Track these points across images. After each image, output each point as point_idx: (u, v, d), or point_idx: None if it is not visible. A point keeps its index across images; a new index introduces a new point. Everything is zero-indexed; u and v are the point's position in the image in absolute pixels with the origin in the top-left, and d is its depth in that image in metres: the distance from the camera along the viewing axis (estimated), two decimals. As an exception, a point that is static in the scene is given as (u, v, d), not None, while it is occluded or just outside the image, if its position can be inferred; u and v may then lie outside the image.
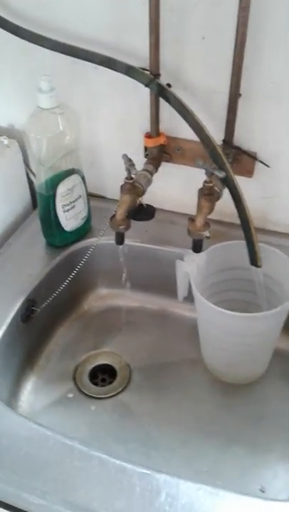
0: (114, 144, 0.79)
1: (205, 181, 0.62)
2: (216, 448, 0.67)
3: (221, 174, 0.59)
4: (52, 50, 0.66)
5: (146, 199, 0.83)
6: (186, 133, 0.69)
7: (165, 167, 0.78)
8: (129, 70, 0.64)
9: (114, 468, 0.53)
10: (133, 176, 0.64)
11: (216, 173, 0.59)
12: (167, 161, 0.77)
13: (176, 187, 0.81)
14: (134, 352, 0.79)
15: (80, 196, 0.75)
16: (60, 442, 0.55)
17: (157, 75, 0.67)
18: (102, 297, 0.86)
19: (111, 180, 0.85)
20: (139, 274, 0.83)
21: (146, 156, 0.76)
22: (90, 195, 0.85)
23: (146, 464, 0.64)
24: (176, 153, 0.76)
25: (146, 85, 0.64)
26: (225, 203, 0.63)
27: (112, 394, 0.73)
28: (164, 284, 0.79)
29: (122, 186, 0.65)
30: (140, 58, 0.67)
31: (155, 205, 0.85)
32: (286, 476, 0.63)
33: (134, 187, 0.66)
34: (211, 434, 0.68)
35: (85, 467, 0.53)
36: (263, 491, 0.61)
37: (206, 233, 0.63)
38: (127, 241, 0.80)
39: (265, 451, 0.66)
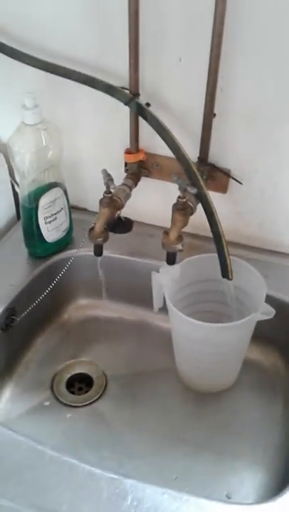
0: (96, 159, 0.82)
1: (179, 197, 0.64)
2: (185, 456, 0.69)
3: (193, 190, 0.62)
4: (36, 67, 0.69)
5: (126, 212, 0.86)
6: (164, 150, 0.72)
7: (145, 182, 0.81)
8: (109, 89, 0.67)
9: (84, 473, 0.54)
10: (112, 190, 0.67)
11: (189, 189, 0.62)
12: (146, 176, 0.80)
13: (155, 201, 0.84)
14: (111, 361, 0.81)
15: (62, 209, 0.78)
16: (31, 448, 0.56)
17: (136, 94, 0.70)
18: (82, 307, 0.88)
19: (93, 194, 0.86)
20: (117, 285, 0.85)
21: (126, 171, 0.79)
22: (73, 208, 0.88)
23: (117, 471, 0.66)
24: (154, 169, 0.79)
25: (126, 104, 0.67)
26: (200, 217, 0.65)
27: (87, 402, 0.75)
28: (142, 295, 0.81)
29: (101, 200, 0.68)
30: (121, 78, 0.70)
31: (135, 218, 0.88)
32: (252, 482, 0.65)
33: (112, 201, 0.69)
34: (181, 442, 0.70)
35: (55, 472, 0.55)
36: (229, 497, 0.63)
37: (179, 246, 0.65)
38: (106, 253, 0.83)
39: (232, 459, 0.68)
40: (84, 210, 0.91)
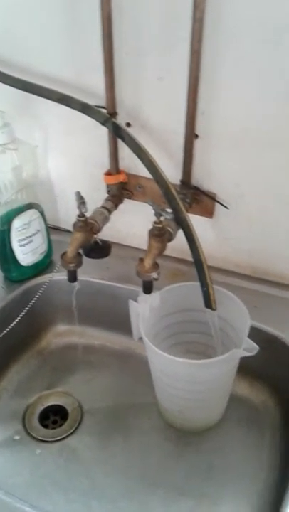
0: (77, 179, 0.79)
1: (154, 222, 0.60)
2: (161, 500, 0.63)
3: (168, 215, 0.58)
4: (12, 86, 0.67)
5: (110, 236, 0.83)
6: (146, 171, 0.69)
7: (128, 204, 0.77)
8: (84, 108, 0.64)
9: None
10: (84, 213, 0.63)
11: (163, 214, 0.58)
12: (129, 198, 0.76)
13: (139, 224, 0.79)
14: (89, 393, 0.76)
15: (39, 231, 0.74)
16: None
17: (114, 114, 0.67)
18: (61, 334, 0.84)
19: (75, 215, 0.84)
20: (99, 312, 0.82)
21: (108, 192, 0.76)
22: (55, 229, 0.85)
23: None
24: (137, 191, 0.75)
25: (103, 124, 0.64)
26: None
27: (60, 437, 0.70)
28: (125, 322, 0.76)
29: (74, 224, 0.65)
30: (99, 97, 0.67)
31: (118, 241, 0.85)
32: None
33: (86, 224, 0.65)
34: (157, 485, 0.65)
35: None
36: None
37: (154, 275, 0.61)
38: (86, 277, 0.80)
39: (213, 504, 0.62)
40: (67, 231, 0.87)
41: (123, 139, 0.63)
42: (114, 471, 0.67)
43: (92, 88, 0.67)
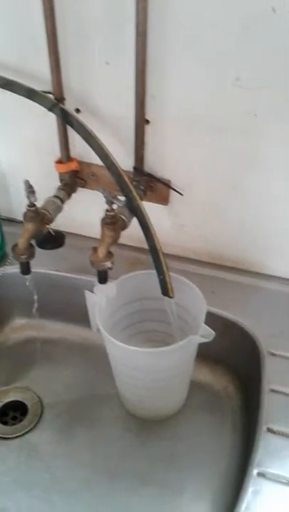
0: (29, 169, 0.77)
1: (106, 210, 0.59)
2: (123, 490, 0.63)
3: (120, 202, 0.57)
4: None
5: (65, 226, 0.80)
6: (99, 159, 0.67)
7: (83, 193, 0.75)
8: (30, 94, 0.61)
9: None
10: (34, 202, 0.61)
11: (115, 201, 0.57)
12: (83, 187, 0.74)
13: (94, 213, 0.77)
14: (49, 387, 0.75)
15: (-10, 223, 0.72)
16: None
17: (61, 99, 0.64)
18: (19, 328, 0.82)
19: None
20: (57, 304, 0.80)
21: (61, 181, 0.74)
22: (9, 221, 0.82)
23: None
24: (90, 180, 0.73)
25: (50, 109, 0.62)
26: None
27: (19, 433, 0.69)
28: (84, 314, 0.75)
29: (24, 214, 0.62)
30: (45, 82, 0.65)
31: (74, 231, 0.83)
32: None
33: (38, 214, 0.63)
34: (120, 476, 0.64)
35: None
36: (168, 539, 0.58)
37: (108, 264, 0.60)
38: (42, 269, 0.78)
39: (176, 493, 0.62)
40: (22, 223, 0.85)
41: (72, 125, 0.61)
42: (76, 464, 0.66)
43: (38, 73, 0.65)
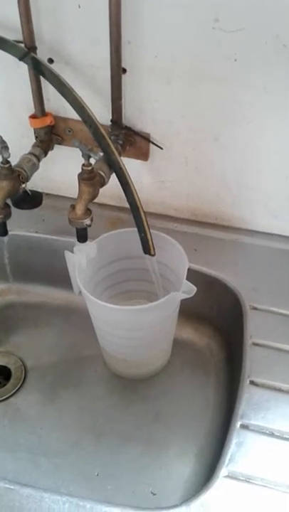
0: (3, 125, 0.73)
1: (83, 164, 0.57)
2: (109, 449, 0.63)
3: (96, 156, 0.54)
4: None
5: (43, 186, 0.78)
6: (76, 114, 0.64)
7: (61, 150, 0.72)
8: (-1, 43, 0.57)
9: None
10: (8, 158, 0.58)
11: (92, 155, 0.54)
12: (59, 144, 0.71)
13: (72, 172, 0.74)
14: (32, 351, 0.74)
15: None
16: None
17: (32, 48, 0.61)
18: (0, 293, 0.80)
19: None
20: (37, 267, 0.78)
21: (36, 137, 0.71)
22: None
23: (32, 473, 0.60)
24: (67, 135, 0.70)
25: (20, 59, 0.58)
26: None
27: (3, 397, 0.68)
28: (65, 276, 0.74)
29: (-2, 172, 0.60)
30: (15, 30, 0.61)
31: (52, 191, 0.80)
32: (180, 475, 0.59)
33: (12, 172, 0.60)
34: (105, 435, 0.64)
35: None
36: (154, 494, 0.58)
37: (87, 221, 0.58)
38: (20, 231, 0.76)
39: (159, 450, 0.62)
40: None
41: (44, 75, 0.58)
42: (61, 425, 0.65)
43: (6, 21, 0.61)
